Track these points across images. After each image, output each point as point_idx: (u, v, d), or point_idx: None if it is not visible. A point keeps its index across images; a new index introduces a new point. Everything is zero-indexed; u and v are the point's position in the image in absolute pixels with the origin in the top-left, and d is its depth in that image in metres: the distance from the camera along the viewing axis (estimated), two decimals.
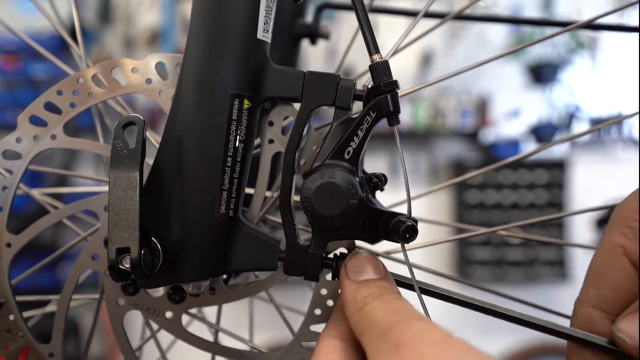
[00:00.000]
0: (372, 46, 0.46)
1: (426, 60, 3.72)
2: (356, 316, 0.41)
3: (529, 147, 3.80)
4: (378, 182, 0.47)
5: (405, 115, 3.64)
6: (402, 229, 0.43)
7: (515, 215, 3.71)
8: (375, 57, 0.45)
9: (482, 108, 3.79)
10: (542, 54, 3.69)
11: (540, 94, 3.83)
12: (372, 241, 0.47)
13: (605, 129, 3.83)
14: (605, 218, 2.72)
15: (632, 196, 0.43)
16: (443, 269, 3.96)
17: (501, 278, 3.65)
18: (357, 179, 0.45)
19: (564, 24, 0.74)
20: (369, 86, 0.46)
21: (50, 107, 0.51)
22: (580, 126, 3.83)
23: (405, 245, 0.45)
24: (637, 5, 0.53)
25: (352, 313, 0.42)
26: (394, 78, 0.45)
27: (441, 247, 3.73)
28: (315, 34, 0.71)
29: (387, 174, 0.49)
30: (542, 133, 3.81)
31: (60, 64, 0.58)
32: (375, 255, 0.46)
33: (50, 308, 0.59)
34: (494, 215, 3.72)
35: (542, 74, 3.74)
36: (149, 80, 0.50)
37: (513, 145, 3.78)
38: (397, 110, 0.45)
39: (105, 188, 0.60)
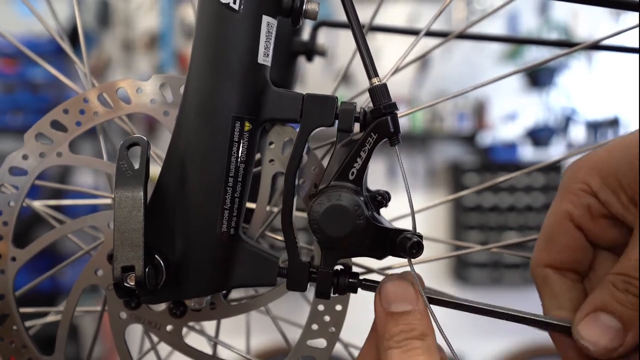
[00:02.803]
0: (370, 70, 0.47)
1: (423, 64, 3.74)
2: (381, 352, 0.44)
3: (525, 150, 3.82)
4: (382, 199, 0.49)
5: (403, 119, 3.64)
6: (409, 245, 0.45)
7: (512, 218, 3.73)
8: (374, 80, 0.47)
9: (479, 111, 3.81)
10: (538, 57, 3.71)
11: (537, 98, 3.85)
12: (379, 257, 0.48)
13: (601, 132, 3.85)
14: None
15: (574, 164, 0.47)
16: (440, 272, 3.98)
17: (498, 280, 3.67)
18: (362, 199, 0.46)
19: (568, 44, 0.75)
20: (367, 108, 0.48)
21: (57, 125, 0.52)
22: (576, 129, 3.85)
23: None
24: (638, 25, 0.55)
25: (379, 345, 0.45)
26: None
27: (438, 249, 3.75)
28: (312, 52, 0.72)
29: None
30: (539, 136, 3.83)
31: (54, 71, 0.59)
32: (412, 280, 0.47)
33: (51, 318, 0.61)
34: (490, 218, 3.74)
35: (538, 78, 3.76)
36: (153, 101, 0.51)
37: (510, 148, 3.80)
38: (397, 130, 0.47)
39: (105, 201, 0.62)
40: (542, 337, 3.52)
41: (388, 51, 3.15)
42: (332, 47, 3.25)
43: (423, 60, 3.73)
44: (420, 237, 0.46)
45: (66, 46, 0.59)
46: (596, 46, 0.62)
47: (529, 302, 0.64)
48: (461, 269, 3.80)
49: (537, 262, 0.49)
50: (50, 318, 0.60)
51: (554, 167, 3.72)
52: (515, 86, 3.81)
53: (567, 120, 3.84)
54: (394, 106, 0.46)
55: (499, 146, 3.80)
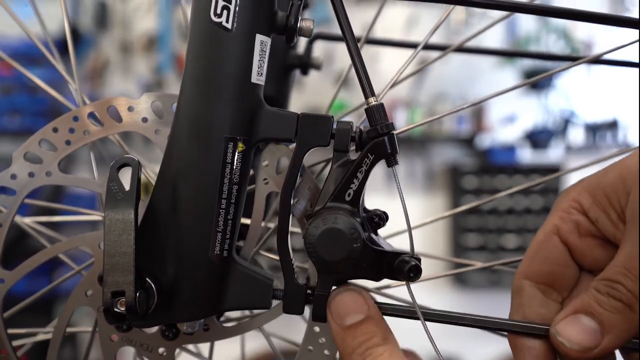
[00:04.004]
0: (367, 89, 0.46)
1: (423, 63, 3.73)
2: None
3: (524, 152, 3.81)
4: (379, 221, 0.48)
5: (402, 121, 3.65)
6: (407, 269, 0.45)
7: (511, 221, 3.73)
8: (371, 99, 0.46)
9: (478, 113, 3.80)
10: (537, 61, 3.70)
11: (535, 100, 3.84)
12: (376, 279, 0.48)
13: (600, 134, 3.84)
14: None
15: (571, 188, 0.48)
16: (438, 273, 3.95)
17: (497, 283, 3.66)
18: (359, 220, 0.46)
19: (572, 59, 0.75)
20: (363, 127, 0.47)
21: (46, 144, 0.51)
22: (575, 132, 3.84)
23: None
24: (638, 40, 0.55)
25: None
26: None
27: (436, 252, 3.74)
28: (307, 65, 0.71)
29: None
30: (538, 138, 3.82)
31: (45, 85, 0.58)
32: (359, 288, 0.47)
33: (41, 337, 0.60)
34: (489, 221, 3.73)
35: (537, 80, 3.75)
36: (144, 119, 0.50)
37: (509, 150, 3.79)
38: (394, 151, 0.46)
39: (97, 218, 0.61)
40: None
41: (385, 53, 3.14)
42: (329, 49, 3.24)
43: (421, 62, 3.72)
44: (419, 260, 0.45)
45: (57, 63, 0.58)
46: (597, 60, 0.62)
47: None
48: (458, 268, 3.79)
49: (518, 273, 0.49)
50: (39, 337, 0.59)
51: (552, 170, 3.72)
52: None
53: (566, 122, 3.84)
54: (391, 126, 0.46)
55: (498, 148, 3.80)
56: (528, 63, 3.69)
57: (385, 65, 3.18)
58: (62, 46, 0.63)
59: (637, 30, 0.52)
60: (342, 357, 0.44)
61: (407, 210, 0.47)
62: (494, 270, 3.42)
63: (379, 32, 2.88)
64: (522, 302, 0.48)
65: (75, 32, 3.26)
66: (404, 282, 0.47)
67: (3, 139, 3.35)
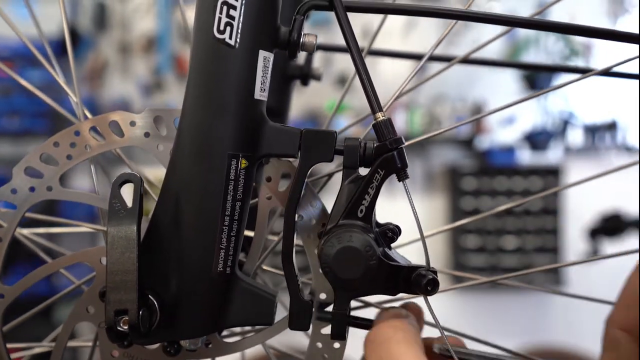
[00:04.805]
0: (374, 104, 0.46)
1: (422, 66, 3.73)
2: None
3: (523, 153, 3.81)
4: (392, 235, 0.48)
5: (401, 122, 3.65)
6: (424, 283, 0.44)
7: (510, 222, 3.73)
8: (379, 115, 0.46)
9: (476, 114, 3.81)
10: (536, 61, 3.70)
11: (535, 101, 3.84)
12: (393, 294, 0.48)
13: (599, 136, 3.85)
14: (598, 229, 2.74)
15: None
16: (439, 276, 3.95)
17: (496, 285, 3.66)
18: (373, 236, 0.46)
19: (579, 70, 0.74)
20: (371, 142, 0.46)
21: (47, 159, 0.51)
22: (574, 133, 3.84)
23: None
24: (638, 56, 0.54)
25: None
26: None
27: (436, 254, 3.74)
28: (307, 76, 0.71)
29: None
30: (537, 140, 3.82)
31: (49, 100, 0.58)
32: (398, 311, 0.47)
33: (39, 350, 0.59)
34: (488, 222, 3.74)
35: (536, 81, 3.75)
36: (147, 134, 0.50)
37: (508, 151, 3.80)
38: (404, 165, 0.46)
39: (98, 228, 0.60)
40: (546, 341, 3.51)
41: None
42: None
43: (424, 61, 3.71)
44: (435, 272, 0.45)
45: (57, 76, 0.57)
46: (601, 72, 0.62)
47: (526, 305, 0.63)
48: (458, 270, 3.79)
49: (612, 321, 0.45)
50: (38, 350, 0.59)
51: (551, 171, 3.73)
52: (512, 90, 3.80)
53: (565, 124, 3.84)
54: (399, 141, 0.45)
55: (497, 150, 3.80)
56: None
57: (385, 66, 3.19)
58: (61, 48, 0.62)
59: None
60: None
61: (419, 222, 0.47)
62: (493, 268, 3.41)
63: (378, 36, 2.88)
64: (619, 356, 0.44)
65: (74, 33, 3.25)
66: (421, 295, 0.47)
67: (2, 141, 3.34)
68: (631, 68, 0.73)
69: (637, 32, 0.51)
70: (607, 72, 0.61)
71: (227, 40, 0.44)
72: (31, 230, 0.62)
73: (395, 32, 3.51)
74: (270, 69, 0.47)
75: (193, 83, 0.45)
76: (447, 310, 3.59)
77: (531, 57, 3.67)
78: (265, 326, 0.51)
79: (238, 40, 0.44)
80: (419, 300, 0.49)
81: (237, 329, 0.58)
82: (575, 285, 3.54)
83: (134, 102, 3.54)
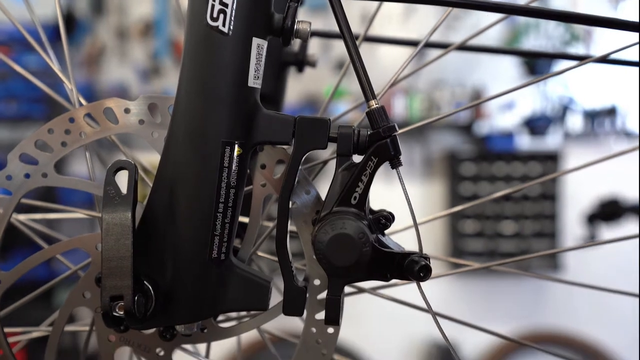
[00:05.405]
0: (368, 92, 0.46)
1: (420, 50, 3.70)
2: None
3: (522, 139, 3.80)
4: (386, 222, 0.48)
5: (400, 107, 3.63)
6: (417, 269, 0.45)
7: (508, 207, 3.73)
8: (372, 102, 0.46)
9: (476, 100, 3.79)
10: (536, 46, 3.68)
11: (534, 86, 3.83)
12: (386, 280, 0.48)
13: (598, 121, 3.84)
14: (596, 214, 2.74)
15: None
16: (436, 264, 3.97)
17: (491, 269, 3.68)
18: (366, 223, 0.46)
19: (578, 58, 0.74)
20: (365, 130, 0.47)
21: (41, 146, 0.51)
22: (574, 118, 3.84)
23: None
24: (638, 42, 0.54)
25: None
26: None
27: (434, 238, 3.75)
28: (302, 63, 0.71)
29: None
30: (536, 125, 3.81)
31: (42, 85, 0.58)
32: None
33: (36, 334, 0.60)
34: (486, 207, 3.74)
35: (536, 66, 3.73)
36: (141, 121, 0.50)
37: (507, 137, 3.79)
38: (398, 153, 0.46)
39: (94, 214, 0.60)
40: (537, 325, 3.52)
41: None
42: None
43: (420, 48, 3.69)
44: (428, 259, 0.46)
45: (49, 59, 0.57)
46: (604, 60, 0.61)
47: (523, 289, 0.64)
48: (456, 257, 3.81)
49: None
50: (35, 334, 0.59)
51: (550, 157, 3.72)
52: (512, 75, 3.79)
53: (565, 109, 3.83)
54: (393, 129, 0.46)
55: (496, 135, 3.79)
56: (527, 49, 3.67)
57: (384, 52, 3.17)
58: (58, 33, 0.62)
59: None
60: None
61: (413, 209, 0.47)
62: (491, 253, 3.43)
63: (376, 21, 2.86)
64: None
65: (71, 18, 3.23)
66: (414, 282, 0.47)
67: (0, 126, 3.34)
68: (630, 55, 0.73)
69: (637, 20, 0.51)
70: (605, 60, 0.61)
71: (221, 27, 0.44)
72: (28, 216, 0.62)
73: (394, 17, 3.48)
74: (264, 57, 0.47)
75: (186, 71, 0.45)
76: (445, 294, 3.61)
77: (531, 42, 3.65)
78: (260, 311, 0.52)
79: (231, 27, 0.44)
80: (412, 287, 0.50)
81: (233, 314, 0.59)
82: (573, 270, 3.56)
83: (131, 87, 3.52)
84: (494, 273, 3.64)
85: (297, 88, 3.40)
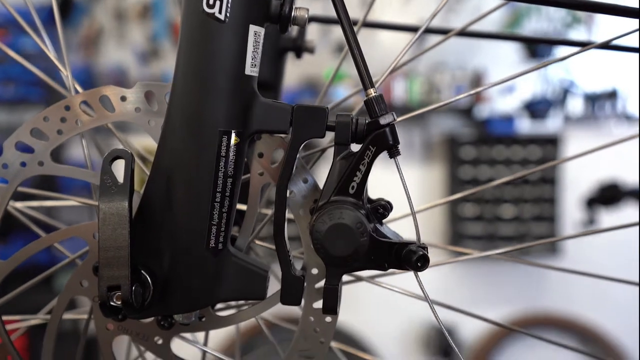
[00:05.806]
0: (366, 80, 0.45)
1: (421, 36, 3.67)
2: None
3: (522, 122, 3.79)
4: (384, 211, 0.48)
5: (400, 91, 3.61)
6: (414, 259, 0.45)
7: (507, 191, 3.73)
8: (371, 91, 0.45)
9: (476, 83, 3.76)
10: (537, 28, 3.65)
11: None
12: (383, 269, 0.48)
13: (599, 105, 3.82)
14: (595, 198, 2.74)
15: None
16: (435, 250, 3.97)
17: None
18: (364, 212, 0.46)
19: (580, 44, 0.74)
20: (357, 119, 0.46)
21: (37, 134, 0.51)
22: (574, 102, 3.82)
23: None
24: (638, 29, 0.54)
25: None
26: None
27: (433, 222, 3.76)
28: (300, 48, 0.70)
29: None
30: (537, 109, 3.80)
31: (36, 70, 0.57)
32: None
33: (34, 322, 0.60)
34: (486, 191, 3.74)
35: (537, 49, 3.70)
36: (137, 109, 0.50)
37: (507, 121, 3.77)
38: (396, 142, 0.45)
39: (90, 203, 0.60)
40: (535, 308, 3.55)
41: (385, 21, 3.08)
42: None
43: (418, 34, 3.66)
44: (425, 249, 0.46)
45: (44, 45, 0.56)
46: (605, 46, 0.61)
47: (521, 272, 0.64)
48: (456, 241, 3.82)
49: None
50: (33, 322, 0.59)
51: (550, 140, 3.71)
52: (513, 58, 3.76)
53: (565, 92, 3.81)
54: (391, 117, 0.45)
55: (496, 119, 3.77)
56: (528, 32, 3.64)
57: (384, 36, 3.14)
58: (53, 16, 0.61)
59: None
60: None
61: (410, 198, 0.47)
62: (490, 240, 3.45)
63: (375, 4, 2.83)
64: None
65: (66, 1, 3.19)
66: (412, 271, 0.47)
67: None
68: (631, 40, 0.72)
69: (638, 6, 0.50)
70: (606, 45, 0.60)
71: (217, 14, 0.43)
72: (25, 204, 0.62)
73: (394, 1, 3.45)
74: (261, 44, 0.46)
75: (183, 58, 0.45)
76: (444, 279, 3.62)
77: (533, 24, 3.61)
78: (258, 300, 0.52)
79: (228, 14, 0.43)
80: (410, 276, 0.49)
81: (232, 303, 0.59)
82: (572, 254, 3.57)
83: (130, 70, 3.50)
84: (493, 257, 3.65)
85: (296, 71, 3.38)
